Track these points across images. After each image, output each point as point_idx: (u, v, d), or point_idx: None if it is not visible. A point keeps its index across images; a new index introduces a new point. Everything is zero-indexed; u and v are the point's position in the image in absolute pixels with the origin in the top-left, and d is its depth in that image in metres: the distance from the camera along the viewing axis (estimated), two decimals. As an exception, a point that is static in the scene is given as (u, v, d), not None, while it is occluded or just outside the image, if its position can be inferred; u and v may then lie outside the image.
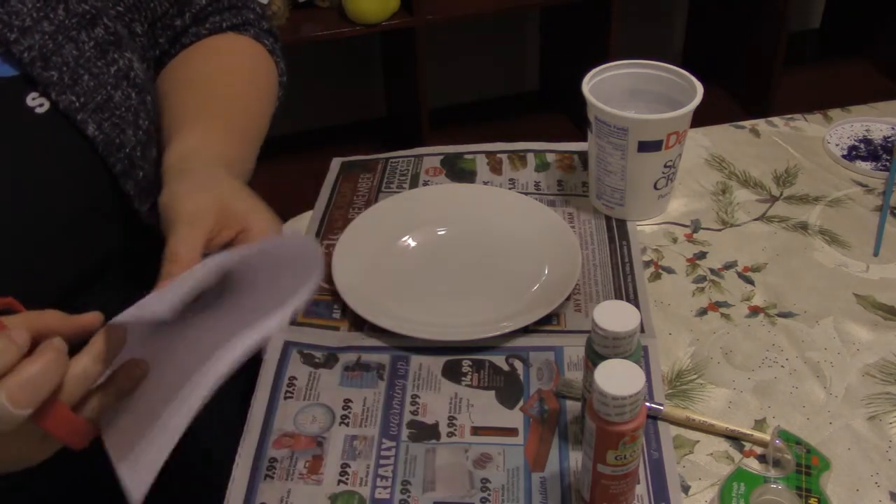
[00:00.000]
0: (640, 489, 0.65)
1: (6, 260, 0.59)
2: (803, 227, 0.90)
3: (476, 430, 0.71)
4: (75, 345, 0.52)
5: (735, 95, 2.36)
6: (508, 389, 0.74)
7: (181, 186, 0.63)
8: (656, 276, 0.85)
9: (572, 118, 2.30)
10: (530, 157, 1.03)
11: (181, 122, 0.71)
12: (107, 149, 0.65)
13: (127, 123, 0.66)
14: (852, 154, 1.00)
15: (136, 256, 0.71)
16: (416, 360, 0.77)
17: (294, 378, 0.75)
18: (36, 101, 0.62)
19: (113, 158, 0.65)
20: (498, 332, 0.77)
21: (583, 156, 1.02)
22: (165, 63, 0.80)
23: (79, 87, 0.64)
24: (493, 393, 0.74)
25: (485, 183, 0.99)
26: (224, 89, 0.77)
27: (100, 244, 0.68)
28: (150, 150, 0.69)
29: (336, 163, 1.04)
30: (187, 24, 0.79)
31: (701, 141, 1.03)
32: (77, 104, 0.63)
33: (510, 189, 0.97)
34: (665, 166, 0.87)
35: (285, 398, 0.74)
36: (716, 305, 0.82)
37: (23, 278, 0.60)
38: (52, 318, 0.52)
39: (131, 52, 0.69)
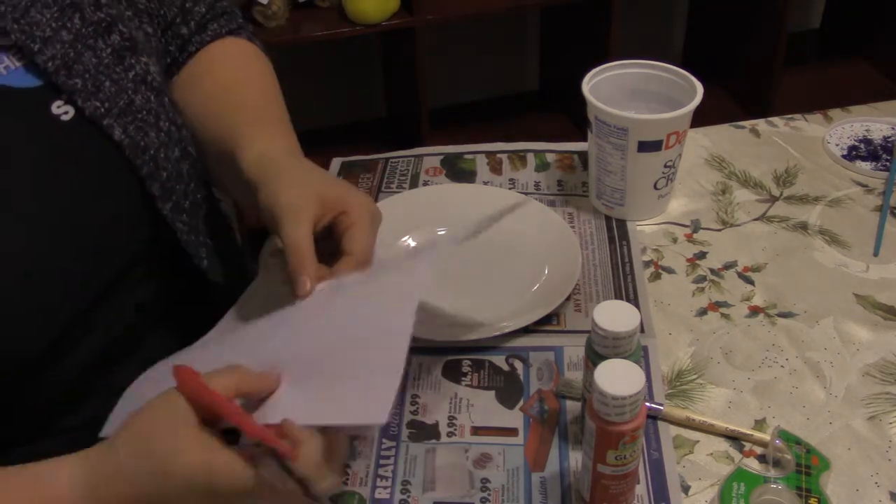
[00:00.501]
0: (640, 489, 0.65)
1: (42, 266, 0.60)
2: (803, 227, 0.90)
3: (476, 430, 0.71)
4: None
5: (735, 95, 2.36)
6: (508, 389, 0.74)
7: (276, 185, 0.67)
8: (656, 276, 0.85)
9: (572, 118, 2.29)
10: (530, 157, 1.03)
11: (238, 129, 0.74)
12: (133, 152, 0.66)
13: (149, 126, 0.68)
14: (852, 154, 1.00)
15: (159, 253, 0.72)
16: (416, 360, 0.77)
17: (294, 378, 0.75)
18: (61, 109, 0.63)
19: (139, 161, 0.66)
20: (498, 332, 0.77)
21: (583, 156, 1.02)
22: (175, 71, 0.82)
23: (102, 94, 0.65)
24: (493, 393, 0.74)
25: (485, 183, 0.98)
26: (257, 91, 0.81)
27: (128, 245, 0.69)
28: (171, 150, 0.70)
29: (336, 163, 1.04)
30: (192, 31, 0.82)
31: (701, 141, 1.03)
32: (102, 109, 0.65)
33: (510, 189, 0.97)
34: (665, 166, 0.87)
35: (285, 398, 0.74)
36: (716, 305, 0.82)
37: (57, 283, 0.61)
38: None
39: (147, 55, 0.71)
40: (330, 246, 0.67)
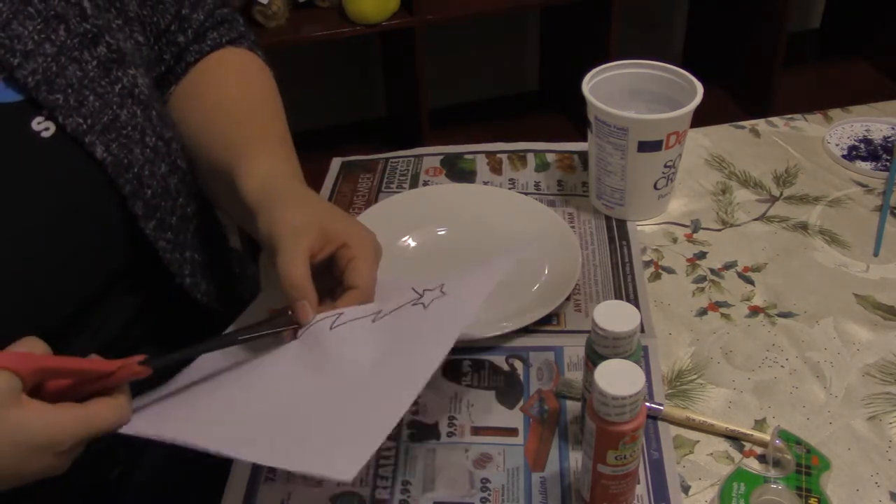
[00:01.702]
0: (640, 489, 0.65)
1: (19, 284, 0.59)
2: (803, 227, 0.90)
3: (476, 430, 0.71)
4: None
5: (735, 95, 2.36)
6: (508, 389, 0.74)
7: (277, 210, 0.65)
8: (656, 276, 0.85)
9: (572, 118, 2.29)
10: (530, 157, 1.03)
11: (240, 149, 0.72)
12: (115, 170, 0.64)
13: (134, 142, 0.66)
14: (852, 154, 1.00)
15: (141, 270, 0.71)
16: (416, 360, 0.77)
17: (294, 378, 0.75)
18: (41, 126, 0.61)
19: (122, 179, 0.65)
20: (498, 332, 0.77)
21: (583, 156, 1.02)
22: (172, 80, 0.80)
23: (85, 109, 0.63)
24: (493, 393, 0.74)
25: (485, 183, 0.98)
26: (259, 108, 0.78)
27: (107, 264, 0.68)
28: (158, 166, 0.68)
29: (336, 163, 1.04)
30: (190, 39, 0.79)
31: (701, 141, 1.03)
32: (84, 126, 0.63)
33: (510, 189, 0.97)
34: (665, 166, 0.87)
35: (285, 398, 0.73)
36: (716, 305, 0.82)
37: (33, 302, 0.60)
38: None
39: (135, 67, 0.69)
40: (328, 282, 0.66)
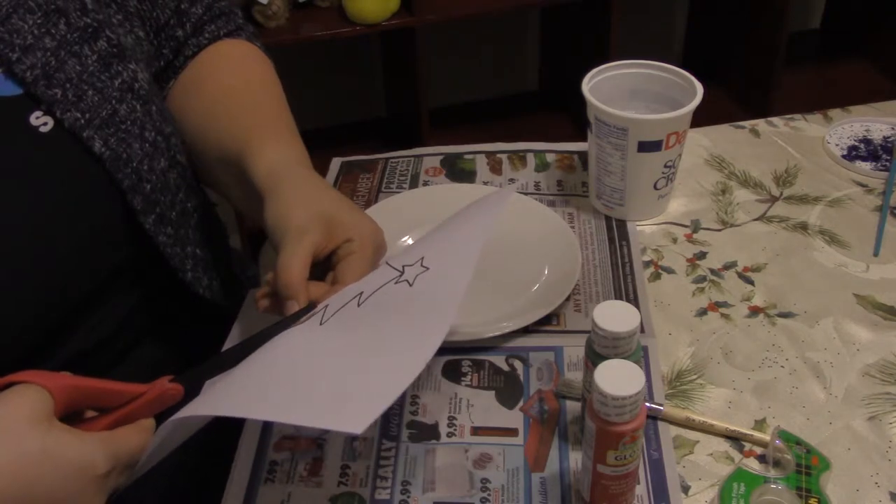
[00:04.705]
0: (640, 489, 0.65)
1: (19, 279, 0.59)
2: (803, 227, 0.90)
3: (476, 431, 0.71)
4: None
5: (735, 95, 2.36)
6: (508, 389, 0.74)
7: (284, 202, 0.65)
8: (656, 276, 0.85)
9: (572, 118, 2.29)
10: (530, 157, 1.03)
11: (249, 135, 0.72)
12: (114, 164, 0.64)
13: (133, 137, 0.66)
14: (852, 154, 1.00)
15: (141, 266, 0.71)
16: (416, 360, 0.77)
17: (294, 378, 0.75)
18: (40, 120, 0.61)
19: (121, 174, 0.65)
20: (498, 332, 0.77)
21: (583, 156, 1.02)
22: (171, 74, 0.80)
23: (83, 104, 0.63)
24: (493, 393, 0.74)
25: (485, 183, 0.98)
26: (264, 97, 0.79)
27: (108, 258, 0.68)
28: (157, 160, 0.68)
29: (336, 163, 1.04)
30: (188, 33, 0.80)
31: (701, 141, 1.03)
32: (83, 121, 0.63)
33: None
34: (665, 166, 0.87)
35: (285, 398, 0.73)
36: (716, 305, 0.82)
37: (33, 297, 0.60)
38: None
39: (135, 62, 0.69)
40: (325, 268, 0.66)
